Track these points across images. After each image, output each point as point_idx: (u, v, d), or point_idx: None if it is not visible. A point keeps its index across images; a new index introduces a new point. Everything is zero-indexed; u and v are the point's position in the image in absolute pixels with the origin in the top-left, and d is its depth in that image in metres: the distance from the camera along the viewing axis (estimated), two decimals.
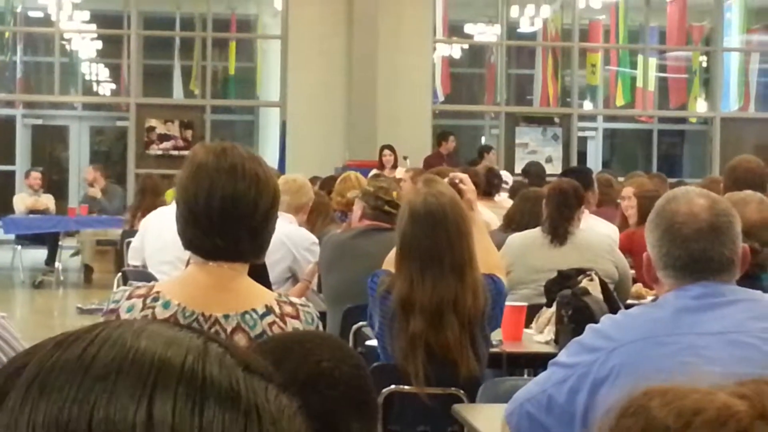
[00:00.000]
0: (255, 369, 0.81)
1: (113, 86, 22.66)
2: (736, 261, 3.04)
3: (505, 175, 12.32)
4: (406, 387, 4.64)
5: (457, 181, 5.19)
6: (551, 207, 6.66)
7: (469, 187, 5.24)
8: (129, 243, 8.33)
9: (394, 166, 15.31)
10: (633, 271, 6.86)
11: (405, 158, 15.65)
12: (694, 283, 3.00)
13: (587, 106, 21.31)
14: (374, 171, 14.16)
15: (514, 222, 7.42)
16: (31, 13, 21.39)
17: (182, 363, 0.78)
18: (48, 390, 0.77)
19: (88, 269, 15.94)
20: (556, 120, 19.63)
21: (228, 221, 2.84)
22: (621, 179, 11.91)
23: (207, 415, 0.76)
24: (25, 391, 0.77)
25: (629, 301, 6.34)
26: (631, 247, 7.27)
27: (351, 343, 5.83)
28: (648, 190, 8.08)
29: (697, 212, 3.05)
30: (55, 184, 20.95)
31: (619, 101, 20.74)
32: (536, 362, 5.48)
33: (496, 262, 5.06)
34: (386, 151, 15.93)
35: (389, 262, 4.95)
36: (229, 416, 0.76)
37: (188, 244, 2.91)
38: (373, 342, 4.93)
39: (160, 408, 0.75)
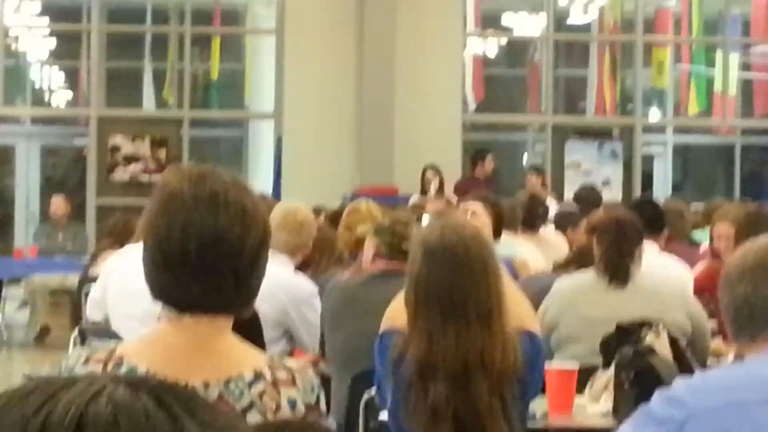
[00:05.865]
0: None
1: (69, 95, 22.73)
2: None
3: (549, 201, 12.31)
4: None
5: (469, 213, 5.19)
6: (606, 242, 6.60)
7: (482, 221, 5.23)
8: (88, 293, 8.31)
9: (440, 191, 15.11)
10: (713, 322, 6.79)
11: None
12: None
13: (653, 115, 21.30)
14: (415, 197, 14.11)
15: (585, 259, 7.10)
16: None
17: None
18: None
19: (42, 331, 15.54)
20: (615, 133, 19.61)
21: (207, 264, 2.84)
22: (696, 206, 11.87)
23: None
24: None
25: (708, 362, 6.31)
26: (712, 289, 7.19)
27: (362, 418, 5.81)
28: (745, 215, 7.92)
29: None
30: None
31: (693, 109, 20.71)
32: None
33: (528, 312, 5.03)
34: (429, 172, 15.81)
35: (392, 317, 4.92)
36: None
37: (158, 293, 2.91)
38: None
39: None
